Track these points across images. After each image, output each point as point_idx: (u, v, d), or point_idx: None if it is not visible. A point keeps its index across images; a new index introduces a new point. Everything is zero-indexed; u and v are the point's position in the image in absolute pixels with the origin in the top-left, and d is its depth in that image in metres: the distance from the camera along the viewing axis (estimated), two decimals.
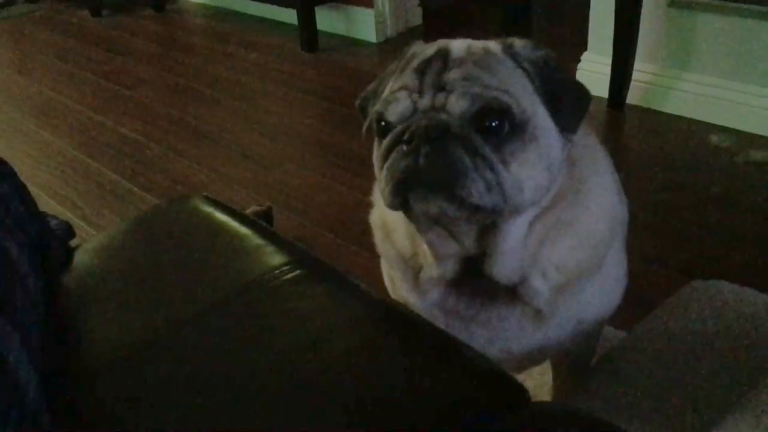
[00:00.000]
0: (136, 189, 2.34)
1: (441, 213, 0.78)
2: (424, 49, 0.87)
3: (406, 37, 3.47)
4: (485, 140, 0.77)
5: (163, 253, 1.01)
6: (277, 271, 0.94)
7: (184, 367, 0.83)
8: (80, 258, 1.01)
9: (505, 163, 0.78)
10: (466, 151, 0.76)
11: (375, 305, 0.90)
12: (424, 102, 0.80)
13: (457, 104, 0.78)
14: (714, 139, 2.26)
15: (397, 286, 1.03)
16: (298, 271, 0.94)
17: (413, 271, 0.95)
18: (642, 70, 2.44)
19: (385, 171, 0.80)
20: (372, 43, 3.42)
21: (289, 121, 2.76)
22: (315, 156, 2.51)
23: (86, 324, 0.90)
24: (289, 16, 3.60)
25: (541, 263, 0.89)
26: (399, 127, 0.80)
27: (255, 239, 1.03)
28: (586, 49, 2.62)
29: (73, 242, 1.22)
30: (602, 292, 1.01)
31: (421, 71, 0.82)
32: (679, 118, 2.39)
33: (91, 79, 3.35)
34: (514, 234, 0.85)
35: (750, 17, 2.18)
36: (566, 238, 0.89)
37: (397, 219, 0.96)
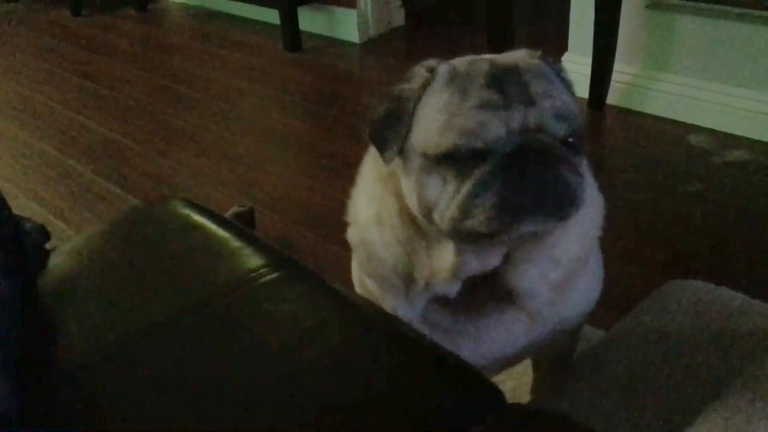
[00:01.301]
0: (117, 190, 2.33)
1: (534, 232, 0.80)
2: (471, 65, 0.83)
3: (388, 37, 3.48)
4: (572, 154, 0.79)
5: (140, 255, 1.01)
6: (254, 274, 0.94)
7: (160, 369, 0.82)
8: (56, 261, 1.00)
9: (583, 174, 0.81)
10: (569, 170, 0.78)
11: (352, 308, 0.90)
12: (515, 121, 0.77)
13: (550, 119, 0.78)
14: (692, 139, 2.28)
15: (377, 296, 1.00)
16: (275, 274, 0.94)
17: (404, 285, 0.93)
18: (621, 71, 2.46)
19: (491, 199, 0.76)
20: (355, 44, 3.42)
21: (271, 122, 2.76)
22: (297, 156, 2.51)
23: (62, 327, 0.90)
24: (271, 16, 3.59)
25: (550, 261, 0.90)
26: (499, 153, 0.77)
27: (233, 242, 1.02)
28: (566, 50, 2.63)
29: (51, 244, 1.21)
30: (587, 286, 1.02)
31: (498, 86, 0.78)
32: (658, 118, 2.41)
33: (72, 80, 3.32)
34: (542, 242, 0.87)
35: (728, 19, 2.20)
36: (569, 231, 0.90)
37: (387, 236, 0.92)
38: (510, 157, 0.76)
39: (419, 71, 0.86)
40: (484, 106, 0.77)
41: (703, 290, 1.36)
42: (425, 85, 0.84)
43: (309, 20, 3.51)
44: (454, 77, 0.82)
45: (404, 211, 0.88)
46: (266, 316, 0.89)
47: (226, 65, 3.33)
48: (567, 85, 0.86)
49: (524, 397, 1.34)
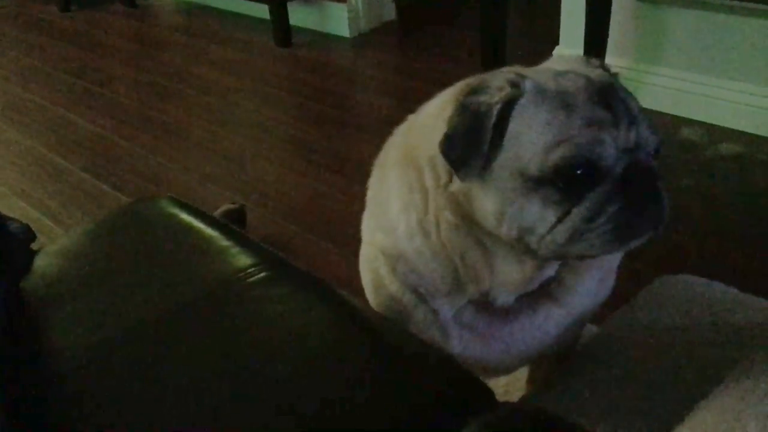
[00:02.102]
0: (107, 188, 2.31)
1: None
2: (561, 79, 0.80)
3: (379, 32, 3.46)
4: None
5: (127, 255, 1.00)
6: (242, 274, 0.93)
7: (147, 371, 0.81)
8: (41, 262, 0.99)
9: None
10: (663, 185, 0.79)
11: (341, 307, 0.89)
12: (622, 139, 0.76)
13: (650, 137, 0.78)
14: (684, 132, 2.28)
15: (406, 304, 0.96)
16: (264, 273, 0.93)
17: (448, 291, 0.92)
18: (613, 64, 2.44)
19: (608, 224, 0.75)
20: (345, 39, 3.40)
21: (262, 118, 2.74)
22: (288, 152, 2.50)
23: (48, 329, 0.89)
24: (261, 11, 3.57)
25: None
26: (612, 176, 0.76)
27: (221, 241, 1.01)
28: (558, 44, 2.62)
29: (40, 243, 1.19)
30: (607, 279, 1.03)
31: (605, 103, 0.77)
32: (650, 111, 2.39)
33: (61, 76, 3.29)
34: None
35: (719, 11, 2.19)
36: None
37: (436, 246, 0.88)
38: (622, 178, 0.75)
39: (499, 84, 0.79)
40: (594, 123, 0.75)
41: (696, 285, 1.36)
42: (511, 101, 0.78)
43: (299, 15, 3.49)
44: (544, 92, 0.78)
45: (463, 226, 0.85)
46: (254, 316, 0.88)
47: (216, 61, 3.31)
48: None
49: (517, 392, 1.33)
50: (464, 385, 0.75)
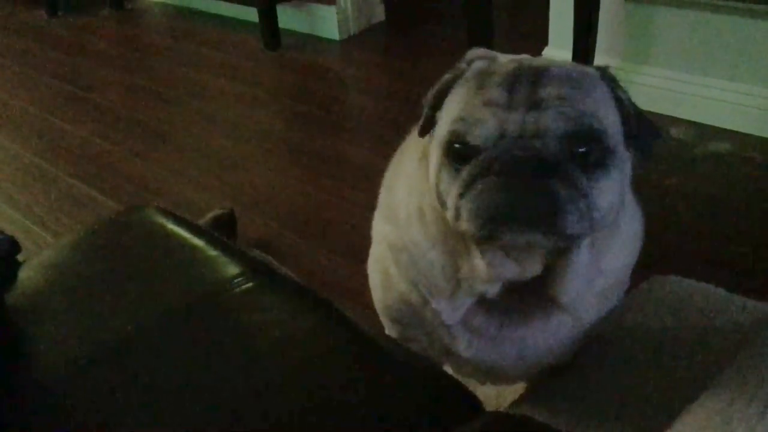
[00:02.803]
0: (95, 194, 2.30)
1: (530, 244, 0.76)
2: (503, 64, 0.81)
3: (368, 34, 3.45)
4: (579, 167, 0.74)
5: (112, 267, 0.99)
6: (229, 284, 0.92)
7: (133, 383, 0.81)
8: (25, 275, 0.98)
9: (594, 190, 0.75)
10: (562, 183, 0.73)
11: (329, 317, 0.89)
12: (514, 123, 0.74)
13: (552, 126, 0.73)
14: (673, 131, 2.29)
15: (417, 304, 0.94)
16: (251, 283, 0.92)
17: (450, 288, 0.89)
18: (601, 64, 2.45)
19: (471, 202, 0.74)
20: (335, 41, 3.40)
21: (251, 121, 2.73)
22: (278, 156, 2.49)
23: (31, 343, 0.88)
24: (250, 14, 3.56)
25: (591, 273, 0.89)
26: (486, 154, 0.74)
27: (208, 250, 1.01)
28: (547, 44, 2.63)
29: (28, 251, 1.18)
30: (623, 288, 1.04)
31: (510, 85, 0.76)
32: None
33: (48, 81, 3.27)
34: (584, 254, 0.84)
35: (707, 10, 2.20)
36: (614, 243, 0.90)
37: (432, 233, 0.88)
38: (498, 162, 0.73)
39: (460, 63, 0.85)
40: (490, 104, 0.75)
41: (684, 286, 1.36)
42: (457, 77, 0.82)
43: (288, 18, 3.48)
44: (477, 72, 0.80)
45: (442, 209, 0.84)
46: (241, 326, 0.87)
47: (205, 64, 3.30)
48: (616, 97, 0.82)
49: (509, 397, 1.33)
50: (450, 394, 0.75)
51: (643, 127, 0.84)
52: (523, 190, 0.72)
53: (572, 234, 0.75)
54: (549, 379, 1.17)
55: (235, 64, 3.25)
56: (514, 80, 0.76)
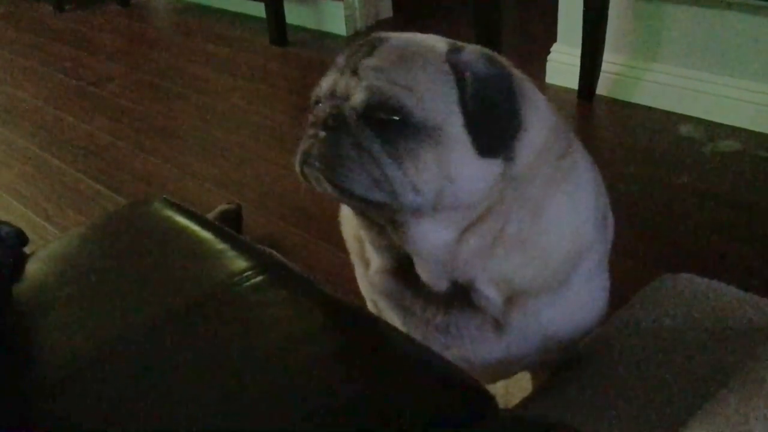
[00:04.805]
0: (102, 188, 2.29)
1: (333, 197, 0.85)
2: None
3: (376, 30, 3.44)
4: (378, 135, 0.79)
5: (120, 259, 0.98)
6: (238, 278, 0.91)
7: (141, 378, 0.80)
8: (32, 267, 0.97)
9: (396, 159, 0.79)
10: (353, 144, 0.80)
11: (340, 311, 0.88)
12: (339, 85, 0.84)
13: (356, 95, 0.81)
14: (683, 129, 2.27)
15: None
16: (260, 277, 0.91)
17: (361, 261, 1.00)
18: (611, 61, 2.44)
19: (298, 146, 0.86)
20: (342, 37, 3.38)
21: (257, 117, 2.72)
22: (285, 151, 2.48)
23: (38, 337, 0.87)
24: (257, 9, 3.55)
25: (491, 273, 0.87)
26: (315, 109, 0.85)
27: (216, 244, 1.00)
28: (555, 41, 2.61)
29: (35, 244, 1.18)
30: (569, 313, 0.97)
31: (353, 53, 0.85)
32: (648, 108, 2.39)
33: (55, 76, 3.27)
34: (430, 238, 0.84)
35: (717, 7, 2.18)
36: (516, 253, 0.87)
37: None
38: (313, 115, 0.85)
39: None
40: (331, 66, 0.87)
41: (696, 284, 1.35)
42: None
43: (295, 13, 3.47)
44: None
45: None
46: (252, 322, 0.86)
47: (212, 60, 3.29)
48: (464, 82, 0.80)
49: (520, 393, 1.31)
50: (466, 392, 0.73)
51: (488, 119, 0.81)
52: (320, 142, 0.82)
53: (367, 197, 0.81)
54: (558, 377, 1.16)
55: (242, 60, 3.24)
56: (358, 48, 0.85)
